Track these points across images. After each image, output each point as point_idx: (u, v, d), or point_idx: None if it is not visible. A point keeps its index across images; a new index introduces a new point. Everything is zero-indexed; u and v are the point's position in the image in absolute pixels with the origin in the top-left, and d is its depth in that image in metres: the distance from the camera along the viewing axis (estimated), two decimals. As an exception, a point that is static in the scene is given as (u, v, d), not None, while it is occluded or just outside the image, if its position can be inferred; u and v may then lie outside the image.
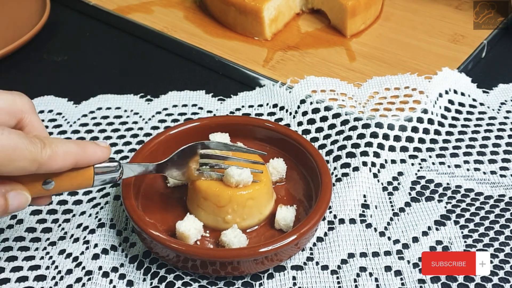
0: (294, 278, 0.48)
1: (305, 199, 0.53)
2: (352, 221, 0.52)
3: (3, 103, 0.44)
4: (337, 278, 0.48)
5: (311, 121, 0.62)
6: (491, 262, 0.48)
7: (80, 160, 0.44)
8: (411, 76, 0.65)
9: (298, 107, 0.63)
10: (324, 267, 0.49)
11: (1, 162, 0.39)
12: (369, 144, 0.58)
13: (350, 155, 0.57)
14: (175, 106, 0.65)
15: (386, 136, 0.59)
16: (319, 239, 0.51)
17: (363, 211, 0.53)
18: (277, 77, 0.67)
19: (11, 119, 0.44)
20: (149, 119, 0.64)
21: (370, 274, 0.48)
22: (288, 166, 0.55)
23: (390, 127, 0.59)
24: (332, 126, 0.61)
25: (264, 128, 0.57)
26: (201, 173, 0.50)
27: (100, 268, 0.48)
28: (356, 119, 0.60)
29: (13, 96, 0.45)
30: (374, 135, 0.59)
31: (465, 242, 0.50)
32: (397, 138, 0.59)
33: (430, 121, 0.61)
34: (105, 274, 0.48)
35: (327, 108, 0.62)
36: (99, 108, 0.66)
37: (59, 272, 0.49)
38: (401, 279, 0.48)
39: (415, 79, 0.64)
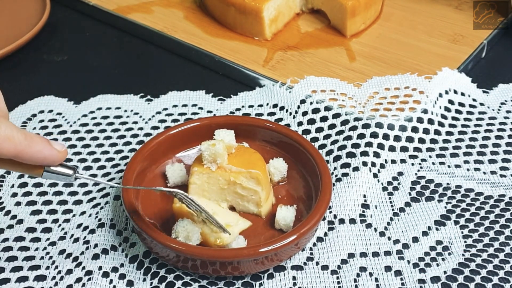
0: (294, 278, 0.48)
1: (305, 199, 0.53)
2: (352, 221, 0.52)
3: None
4: (337, 278, 0.48)
5: (311, 121, 0.62)
6: (491, 262, 0.48)
7: (22, 152, 0.39)
8: (411, 76, 0.65)
9: (298, 107, 0.63)
10: (324, 267, 0.49)
11: None
12: (369, 144, 0.58)
13: (350, 155, 0.57)
14: (175, 106, 0.65)
15: (386, 136, 0.59)
16: (319, 239, 0.51)
17: (363, 211, 0.53)
18: (277, 77, 0.67)
19: None
20: (149, 119, 0.64)
21: (370, 274, 0.48)
22: (288, 166, 0.55)
23: (390, 127, 0.59)
24: (332, 126, 0.61)
25: (264, 128, 0.57)
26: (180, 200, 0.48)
27: (100, 268, 0.48)
28: (356, 119, 0.60)
29: None
30: (374, 135, 0.59)
31: (465, 242, 0.50)
32: (397, 138, 0.59)
33: (430, 121, 0.61)
34: (105, 274, 0.48)
35: (327, 108, 0.62)
36: (99, 108, 0.65)
37: (59, 272, 0.49)
38: (401, 279, 0.48)
39: (415, 79, 0.64)
